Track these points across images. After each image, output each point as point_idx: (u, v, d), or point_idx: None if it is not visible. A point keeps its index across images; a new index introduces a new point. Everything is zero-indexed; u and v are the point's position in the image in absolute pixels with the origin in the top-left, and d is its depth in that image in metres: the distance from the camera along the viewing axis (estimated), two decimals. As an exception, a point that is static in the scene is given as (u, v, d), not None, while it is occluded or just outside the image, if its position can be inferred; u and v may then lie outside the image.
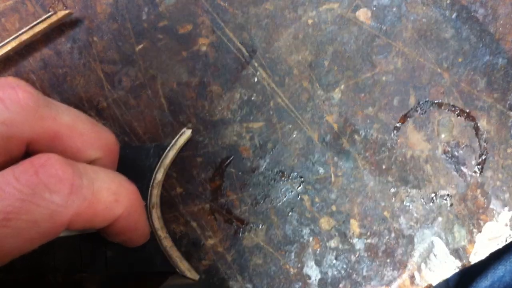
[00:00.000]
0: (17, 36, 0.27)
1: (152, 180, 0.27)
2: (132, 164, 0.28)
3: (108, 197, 0.21)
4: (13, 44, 0.27)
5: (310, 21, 0.28)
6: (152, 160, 0.28)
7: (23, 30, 0.27)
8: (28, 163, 0.19)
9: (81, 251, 0.27)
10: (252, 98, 0.28)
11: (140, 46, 0.29)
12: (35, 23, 0.27)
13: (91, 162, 0.23)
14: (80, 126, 0.22)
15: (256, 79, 0.28)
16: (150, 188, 0.27)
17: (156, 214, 0.27)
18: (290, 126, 0.28)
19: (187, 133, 0.28)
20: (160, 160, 0.27)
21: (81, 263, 0.27)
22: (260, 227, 0.28)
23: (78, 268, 0.27)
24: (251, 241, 0.28)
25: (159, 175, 0.27)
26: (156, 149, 0.28)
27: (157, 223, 0.27)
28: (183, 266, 0.27)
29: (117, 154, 0.25)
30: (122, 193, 0.22)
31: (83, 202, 0.20)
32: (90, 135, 0.22)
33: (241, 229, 0.28)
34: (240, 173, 0.28)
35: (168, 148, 0.28)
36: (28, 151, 0.22)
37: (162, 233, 0.27)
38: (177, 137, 0.28)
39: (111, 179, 0.22)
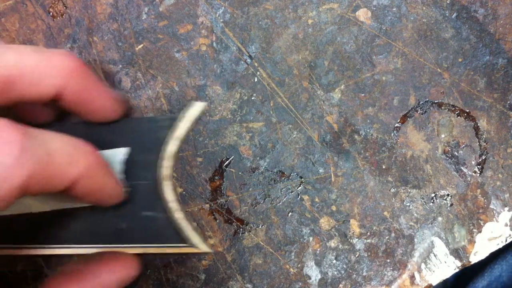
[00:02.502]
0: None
1: (164, 151, 0.27)
2: (145, 135, 0.27)
3: (63, 158, 0.21)
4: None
5: (310, 21, 0.28)
6: (164, 131, 0.27)
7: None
8: None
9: (93, 223, 0.27)
10: (252, 98, 0.28)
11: (140, 46, 0.29)
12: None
13: (61, 94, 0.23)
14: (28, 61, 0.21)
15: (256, 79, 0.28)
16: (160, 160, 0.27)
17: (168, 186, 0.27)
18: (290, 126, 0.28)
19: (199, 104, 0.27)
20: (173, 132, 0.27)
21: (93, 234, 0.27)
22: (260, 227, 0.28)
23: (90, 240, 0.27)
24: (251, 241, 0.28)
25: (171, 147, 0.27)
26: (169, 121, 0.27)
27: (170, 196, 0.27)
28: (195, 239, 0.27)
29: (85, 73, 0.24)
30: (77, 154, 0.22)
31: (37, 163, 0.19)
32: (40, 64, 0.22)
33: (241, 229, 0.28)
34: (240, 173, 0.28)
35: (181, 120, 0.27)
36: None
37: (174, 205, 0.27)
38: (188, 109, 0.27)
39: (65, 142, 0.21)
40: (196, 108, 0.28)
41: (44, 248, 0.28)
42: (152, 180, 0.27)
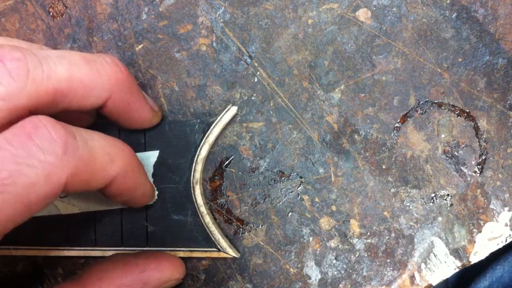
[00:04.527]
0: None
1: (197, 155, 0.27)
2: (177, 139, 0.27)
3: (103, 157, 0.21)
4: None
5: (310, 21, 0.28)
6: (196, 135, 0.27)
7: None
8: (20, 127, 0.19)
9: (122, 226, 0.27)
10: (252, 98, 0.28)
11: (140, 46, 0.29)
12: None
13: (105, 103, 0.23)
14: (77, 73, 0.21)
15: (256, 79, 0.28)
16: (194, 164, 0.27)
17: (199, 190, 0.27)
18: (290, 126, 0.28)
19: (232, 109, 0.28)
20: (205, 136, 0.27)
21: (122, 237, 0.27)
22: (260, 227, 0.28)
23: (119, 243, 0.27)
24: (251, 241, 0.28)
25: (204, 151, 0.27)
26: (201, 124, 0.27)
27: (200, 199, 0.27)
28: (225, 243, 0.27)
29: (129, 84, 0.24)
30: (117, 153, 0.22)
31: (79, 161, 0.20)
32: (90, 77, 0.22)
33: (241, 229, 0.28)
34: (240, 173, 0.28)
35: (214, 124, 0.27)
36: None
37: (204, 210, 0.27)
38: (223, 113, 0.27)
39: (105, 140, 0.22)
40: (230, 113, 0.28)
41: (72, 250, 0.28)
42: (182, 184, 0.27)
